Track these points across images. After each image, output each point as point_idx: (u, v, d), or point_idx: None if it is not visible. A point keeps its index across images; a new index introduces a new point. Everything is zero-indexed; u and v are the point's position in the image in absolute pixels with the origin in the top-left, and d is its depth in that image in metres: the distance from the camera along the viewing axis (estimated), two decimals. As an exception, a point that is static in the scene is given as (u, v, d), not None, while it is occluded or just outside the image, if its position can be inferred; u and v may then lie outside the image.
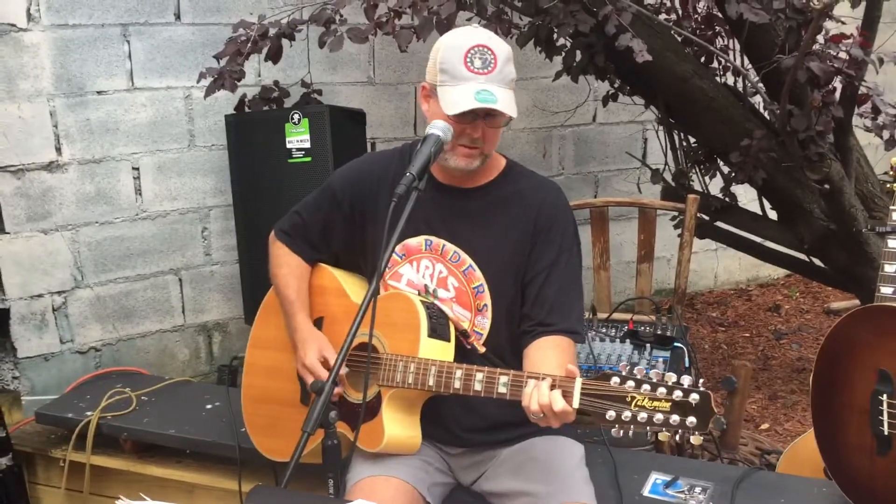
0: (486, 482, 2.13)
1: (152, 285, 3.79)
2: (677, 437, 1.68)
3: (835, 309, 4.96)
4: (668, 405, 1.67)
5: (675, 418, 1.66)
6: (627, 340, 2.91)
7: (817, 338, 4.50)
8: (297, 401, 2.20)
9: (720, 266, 5.41)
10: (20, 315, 3.49)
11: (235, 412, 2.57)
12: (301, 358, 2.11)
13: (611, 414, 1.70)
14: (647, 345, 2.87)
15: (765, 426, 3.74)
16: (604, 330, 2.99)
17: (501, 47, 2.00)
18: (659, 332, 2.90)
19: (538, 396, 1.77)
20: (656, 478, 2.36)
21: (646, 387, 1.69)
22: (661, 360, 2.81)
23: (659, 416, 1.67)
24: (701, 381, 1.69)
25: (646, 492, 2.31)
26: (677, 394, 1.66)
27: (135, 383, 3.01)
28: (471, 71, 1.95)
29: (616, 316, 3.12)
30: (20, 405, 3.28)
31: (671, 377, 1.69)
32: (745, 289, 5.47)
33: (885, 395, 2.10)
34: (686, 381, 1.68)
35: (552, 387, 1.77)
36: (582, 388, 1.75)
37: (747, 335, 4.74)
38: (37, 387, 3.51)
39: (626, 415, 1.69)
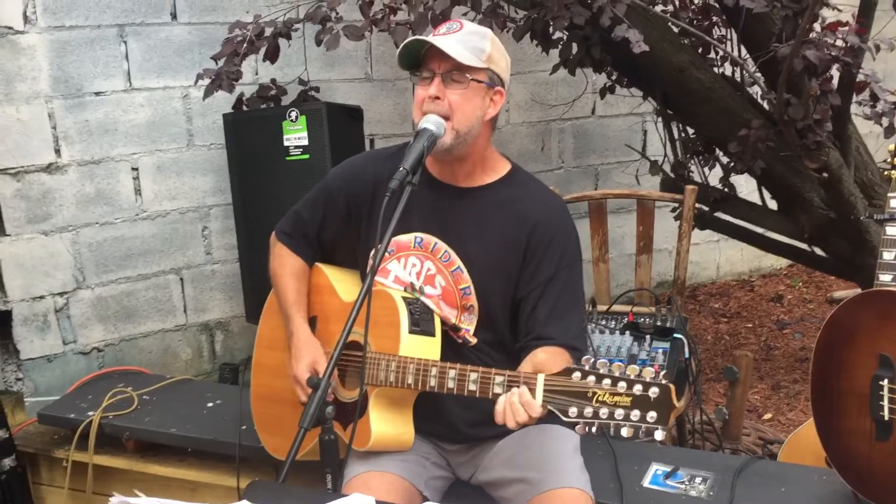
0: (482, 473, 2.13)
1: (153, 285, 3.80)
2: (641, 434, 1.62)
3: (838, 298, 4.94)
4: (628, 400, 1.62)
5: (635, 413, 1.61)
6: (627, 332, 2.92)
7: (820, 327, 4.48)
8: (298, 400, 2.21)
9: (722, 257, 5.40)
10: (22, 317, 3.50)
11: (237, 410, 2.58)
12: (292, 370, 2.11)
13: (573, 410, 1.66)
14: (647, 336, 2.87)
15: (767, 416, 3.74)
16: (603, 322, 2.99)
17: (475, 26, 2.02)
18: (658, 324, 2.90)
19: (514, 415, 1.75)
20: (656, 469, 2.36)
21: (606, 382, 1.64)
22: (660, 351, 2.82)
23: (620, 412, 1.62)
24: (663, 373, 1.64)
25: (646, 483, 2.31)
26: (637, 388, 1.62)
27: (136, 383, 3.02)
28: (434, 35, 1.99)
29: (616, 308, 3.12)
30: (23, 406, 3.29)
31: (633, 370, 1.64)
32: (747, 279, 5.46)
33: (885, 380, 2.10)
34: (648, 374, 1.63)
35: (519, 384, 1.75)
36: (545, 385, 1.72)
37: (750, 326, 4.74)
38: (40, 388, 3.53)
39: (588, 411, 1.64)
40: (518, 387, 1.75)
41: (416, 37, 1.98)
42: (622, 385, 1.63)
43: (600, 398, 1.64)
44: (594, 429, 1.65)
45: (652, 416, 1.60)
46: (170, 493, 2.64)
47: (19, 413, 3.21)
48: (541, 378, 1.73)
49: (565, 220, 2.09)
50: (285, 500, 1.61)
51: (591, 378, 1.66)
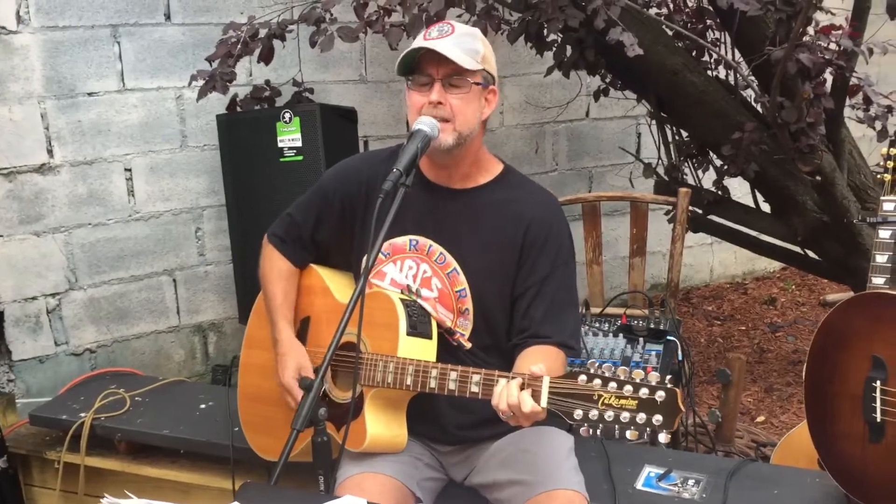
0: (476, 476, 2.13)
1: (146, 286, 3.79)
2: (645, 437, 1.64)
3: (831, 301, 4.96)
4: (634, 403, 1.63)
5: (641, 416, 1.63)
6: (620, 335, 2.92)
7: (813, 330, 4.46)
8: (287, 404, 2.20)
9: (716, 260, 5.41)
10: (14, 318, 3.48)
11: (230, 411, 2.58)
12: (279, 375, 2.11)
13: (578, 413, 1.67)
14: (640, 339, 2.87)
15: (761, 419, 3.74)
16: (597, 324, 2.99)
17: (464, 27, 2.02)
18: (652, 326, 2.91)
19: (507, 396, 1.75)
20: (650, 471, 2.36)
21: (612, 385, 1.65)
22: (654, 353, 2.82)
23: (625, 415, 1.63)
24: (668, 377, 1.66)
25: (639, 485, 2.31)
26: (643, 391, 1.63)
27: (128, 384, 3.01)
28: (426, 39, 1.97)
29: (609, 310, 3.12)
30: (15, 407, 3.27)
31: (639, 374, 1.65)
32: (740, 282, 5.47)
33: (878, 382, 2.11)
34: (654, 378, 1.65)
35: (522, 386, 1.75)
36: (550, 387, 1.72)
37: (743, 328, 4.74)
38: (32, 389, 3.51)
39: (594, 414, 1.65)
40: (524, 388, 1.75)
41: (418, 45, 1.96)
42: (628, 388, 1.65)
43: (606, 401, 1.65)
44: (599, 431, 1.66)
45: (657, 419, 1.62)
46: (162, 495, 2.63)
47: (11, 414, 3.19)
48: (546, 381, 1.73)
49: (560, 219, 2.10)
50: (277, 501, 1.61)
51: (597, 381, 1.67)
